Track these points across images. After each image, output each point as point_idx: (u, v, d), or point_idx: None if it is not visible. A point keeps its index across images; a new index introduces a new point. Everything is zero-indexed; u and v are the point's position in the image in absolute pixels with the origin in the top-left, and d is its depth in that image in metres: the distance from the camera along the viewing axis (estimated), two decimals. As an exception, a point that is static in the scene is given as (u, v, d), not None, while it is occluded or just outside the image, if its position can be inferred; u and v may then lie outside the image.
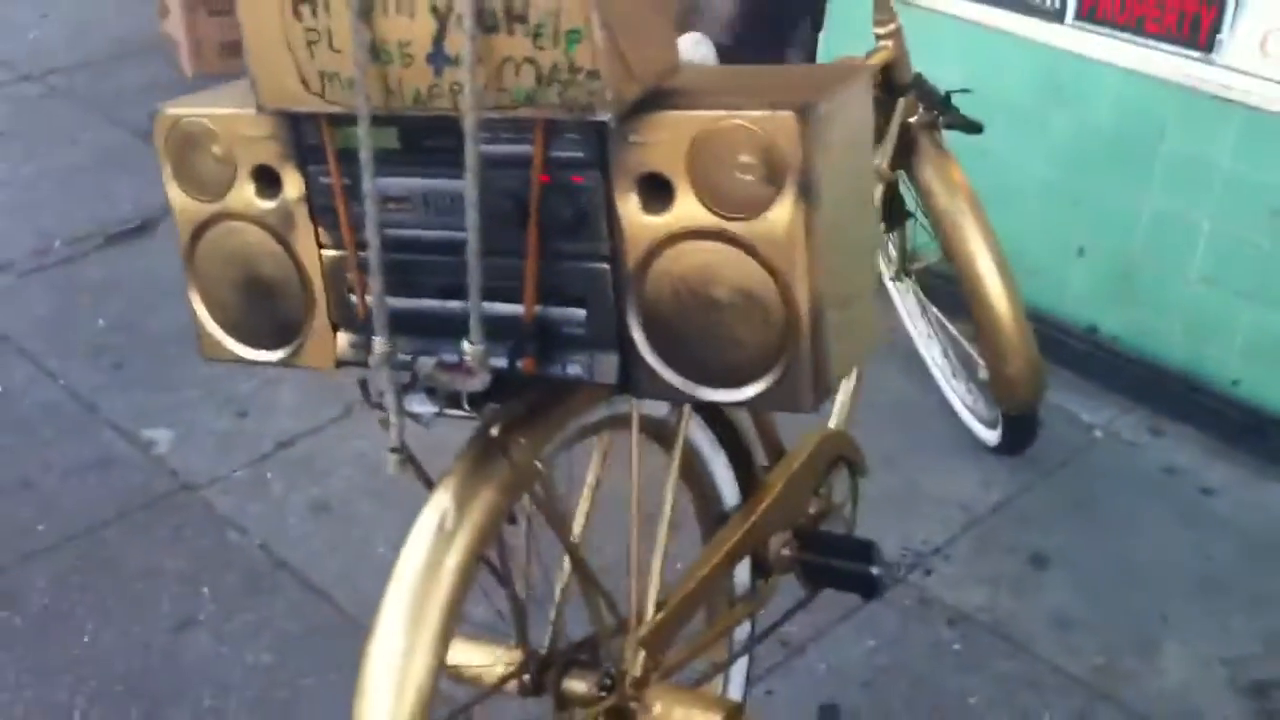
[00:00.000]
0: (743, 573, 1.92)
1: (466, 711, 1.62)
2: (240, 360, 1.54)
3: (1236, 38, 2.67)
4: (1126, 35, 2.81)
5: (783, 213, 1.23)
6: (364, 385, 1.41)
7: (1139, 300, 2.92)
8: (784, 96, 1.24)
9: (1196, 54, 2.72)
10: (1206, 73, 2.71)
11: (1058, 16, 2.91)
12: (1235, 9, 2.65)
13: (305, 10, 1.28)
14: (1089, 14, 2.86)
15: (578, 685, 1.62)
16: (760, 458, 1.90)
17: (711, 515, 1.85)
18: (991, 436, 2.69)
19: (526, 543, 1.62)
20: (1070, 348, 3.02)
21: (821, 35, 3.42)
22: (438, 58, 1.25)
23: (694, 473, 1.82)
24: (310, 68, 1.31)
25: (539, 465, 1.47)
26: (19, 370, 2.99)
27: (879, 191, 2.21)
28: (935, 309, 2.71)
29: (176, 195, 1.47)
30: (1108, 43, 2.84)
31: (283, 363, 1.52)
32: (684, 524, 1.84)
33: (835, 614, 2.34)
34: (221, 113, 1.42)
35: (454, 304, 1.35)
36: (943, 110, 2.32)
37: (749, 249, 1.26)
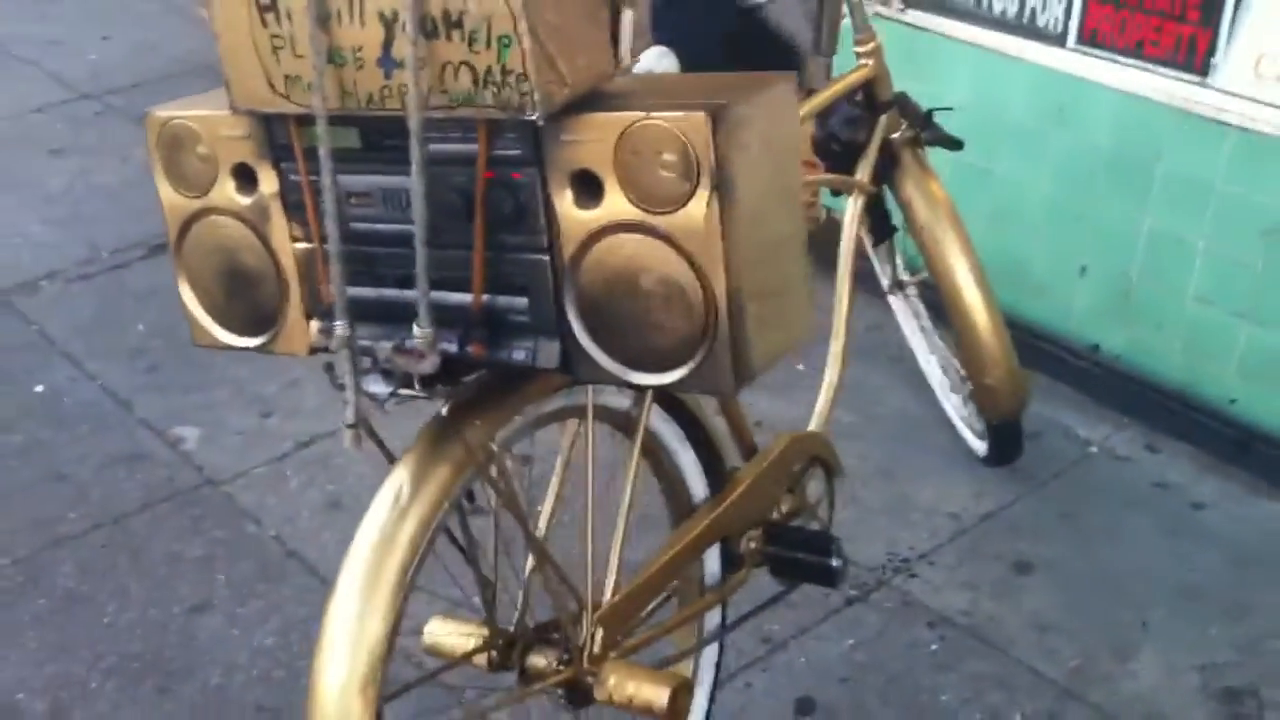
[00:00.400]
0: (715, 565, 2.02)
1: (432, 679, 1.73)
2: (225, 347, 1.66)
3: (1231, 61, 2.72)
4: (1126, 58, 2.88)
5: (699, 207, 1.33)
6: (330, 368, 1.53)
7: (1139, 319, 2.98)
8: (702, 100, 1.34)
9: (1192, 77, 2.78)
10: (1202, 95, 2.77)
11: (1060, 40, 2.98)
12: (1229, 33, 2.70)
13: (270, 19, 1.40)
14: (1090, 38, 2.93)
15: (540, 660, 1.72)
16: (733, 456, 2.00)
17: (681, 508, 1.94)
18: (983, 447, 2.76)
19: (495, 526, 1.72)
20: (1072, 365, 3.09)
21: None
22: (386, 61, 1.37)
23: (662, 467, 1.91)
24: (276, 71, 1.43)
25: (493, 447, 1.57)
26: (61, 371, 3.15)
27: (859, 204, 2.30)
28: (928, 323, 2.78)
29: (166, 191, 1.59)
30: (1108, 66, 2.91)
31: (261, 349, 1.63)
32: (660, 517, 1.95)
33: (818, 614, 2.42)
34: (204, 114, 1.54)
35: (410, 293, 1.45)
36: (925, 127, 2.40)
37: (670, 241, 1.36)
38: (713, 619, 2.05)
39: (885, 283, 2.71)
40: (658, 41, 2.15)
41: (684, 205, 1.34)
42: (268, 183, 1.53)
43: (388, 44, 1.36)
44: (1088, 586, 2.50)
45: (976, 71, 3.15)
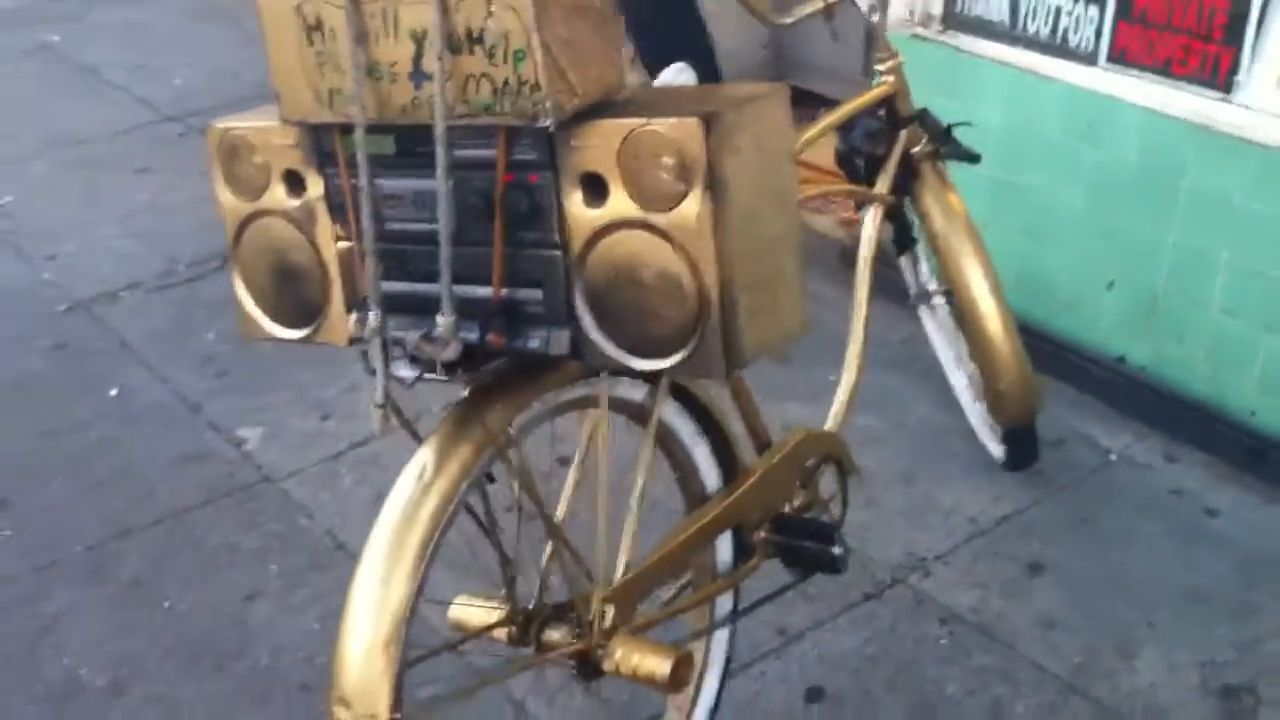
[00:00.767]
0: (728, 554, 2.14)
1: (452, 650, 1.88)
2: (273, 338, 1.82)
3: (1253, 78, 2.80)
4: (1153, 76, 2.97)
5: (693, 206, 1.47)
6: (364, 355, 1.68)
7: (1163, 332, 3.06)
8: (698, 108, 1.47)
9: (1216, 94, 2.86)
10: (1225, 112, 2.85)
11: (1091, 60, 3.08)
12: (1252, 51, 2.79)
13: (316, 37, 1.56)
14: (1119, 57, 3.02)
15: (555, 635, 1.85)
16: (747, 450, 2.12)
17: (694, 498, 2.07)
18: (1001, 453, 2.85)
19: (517, 510, 1.85)
20: (1097, 377, 3.17)
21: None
22: (417, 75, 1.52)
23: (677, 458, 2.04)
24: (321, 85, 1.59)
25: (511, 430, 1.71)
26: (136, 375, 3.34)
27: (879, 215, 2.42)
28: (953, 334, 2.88)
29: (225, 196, 1.76)
30: (1136, 84, 3.00)
31: (306, 340, 1.79)
32: (677, 507, 2.07)
33: (834, 608, 2.54)
34: (259, 125, 1.70)
35: (437, 286, 1.60)
36: (944, 141, 2.52)
37: (668, 237, 1.49)
38: (725, 605, 2.17)
39: (912, 294, 2.82)
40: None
41: (680, 204, 1.47)
42: (314, 187, 1.68)
43: (418, 59, 1.51)
44: (1096, 587, 2.59)
45: (1011, 90, 3.25)
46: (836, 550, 2.09)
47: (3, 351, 3.43)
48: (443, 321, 1.58)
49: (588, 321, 1.58)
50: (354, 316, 1.73)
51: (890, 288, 2.96)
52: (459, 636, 1.89)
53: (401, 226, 1.64)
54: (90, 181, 4.39)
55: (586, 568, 1.84)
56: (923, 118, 2.50)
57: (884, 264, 2.87)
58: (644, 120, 1.47)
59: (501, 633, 1.88)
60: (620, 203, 1.51)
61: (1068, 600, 2.56)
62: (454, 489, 1.66)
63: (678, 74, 2.54)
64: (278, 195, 1.71)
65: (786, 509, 2.15)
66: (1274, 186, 2.79)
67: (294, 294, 1.76)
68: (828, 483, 2.24)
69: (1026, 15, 3.19)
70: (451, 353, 1.60)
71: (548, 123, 1.47)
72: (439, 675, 2.12)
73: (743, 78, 4.53)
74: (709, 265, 1.48)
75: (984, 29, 3.29)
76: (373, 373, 1.65)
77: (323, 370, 3.26)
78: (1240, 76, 2.82)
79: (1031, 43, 3.20)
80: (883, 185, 2.42)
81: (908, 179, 2.51)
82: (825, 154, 2.51)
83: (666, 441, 2.00)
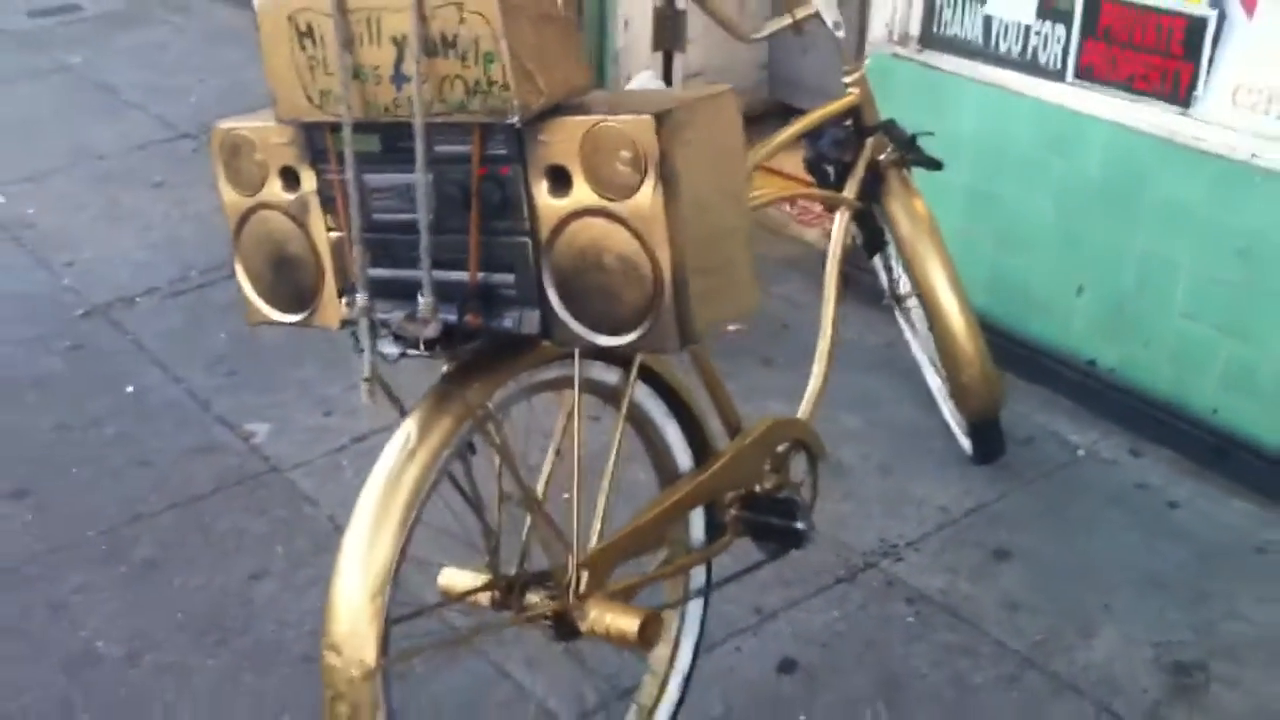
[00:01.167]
0: (700, 531, 2.28)
1: (436, 610, 2.02)
2: (272, 322, 1.97)
3: (1211, 94, 2.96)
4: (1117, 92, 3.12)
5: (647, 194, 1.62)
6: (354, 336, 1.83)
7: (1130, 335, 3.19)
8: (652, 107, 1.63)
9: (1177, 108, 3.02)
10: (1184, 125, 3.00)
11: (1059, 76, 3.23)
12: (1209, 67, 2.94)
13: (307, 43, 1.71)
14: (1086, 73, 3.18)
15: (534, 599, 2.00)
16: (719, 434, 2.26)
17: (667, 477, 2.21)
18: (970, 446, 3.00)
19: (498, 482, 2.00)
20: (1068, 378, 3.31)
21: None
22: (398, 77, 1.67)
23: (650, 439, 2.18)
24: (312, 87, 1.74)
25: (489, 405, 1.86)
26: (150, 374, 3.50)
27: (846, 218, 2.57)
28: (926, 334, 3.03)
29: (226, 191, 1.91)
30: (1101, 99, 3.15)
31: (302, 323, 1.93)
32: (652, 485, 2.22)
33: (808, 590, 2.68)
34: (257, 125, 1.85)
35: (419, 272, 1.75)
36: (908, 150, 2.67)
37: (625, 224, 1.64)
38: (699, 579, 2.31)
39: (886, 296, 2.97)
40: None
41: (635, 193, 1.62)
42: (308, 182, 1.83)
43: (399, 62, 1.66)
44: (1059, 573, 2.72)
45: (984, 105, 3.41)
46: (800, 525, 2.23)
47: (24, 352, 3.59)
48: (423, 302, 1.72)
49: (555, 302, 1.73)
50: (345, 301, 1.88)
51: (873, 294, 3.12)
52: (445, 600, 2.04)
53: (386, 217, 1.78)
54: (108, 194, 4.56)
55: (564, 537, 1.98)
56: (889, 127, 2.65)
57: (865, 270, 3.04)
58: (603, 117, 1.62)
59: (485, 598, 2.02)
60: (583, 193, 1.65)
61: (1031, 584, 2.70)
62: (435, 457, 1.81)
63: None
64: (275, 190, 1.86)
65: (757, 490, 2.30)
66: (1230, 196, 2.94)
67: (290, 281, 1.90)
68: (802, 470, 2.38)
69: (998, 34, 3.35)
70: (432, 331, 1.75)
71: (515, 119, 1.62)
72: (428, 635, 2.26)
73: (741, 97, 4.69)
74: (662, 249, 1.63)
75: (959, 47, 3.45)
76: (361, 351, 1.80)
77: (327, 370, 3.41)
78: (1199, 92, 2.97)
79: (1003, 60, 3.35)
80: (850, 190, 2.57)
81: (875, 185, 2.66)
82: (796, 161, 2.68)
83: (640, 423, 2.14)
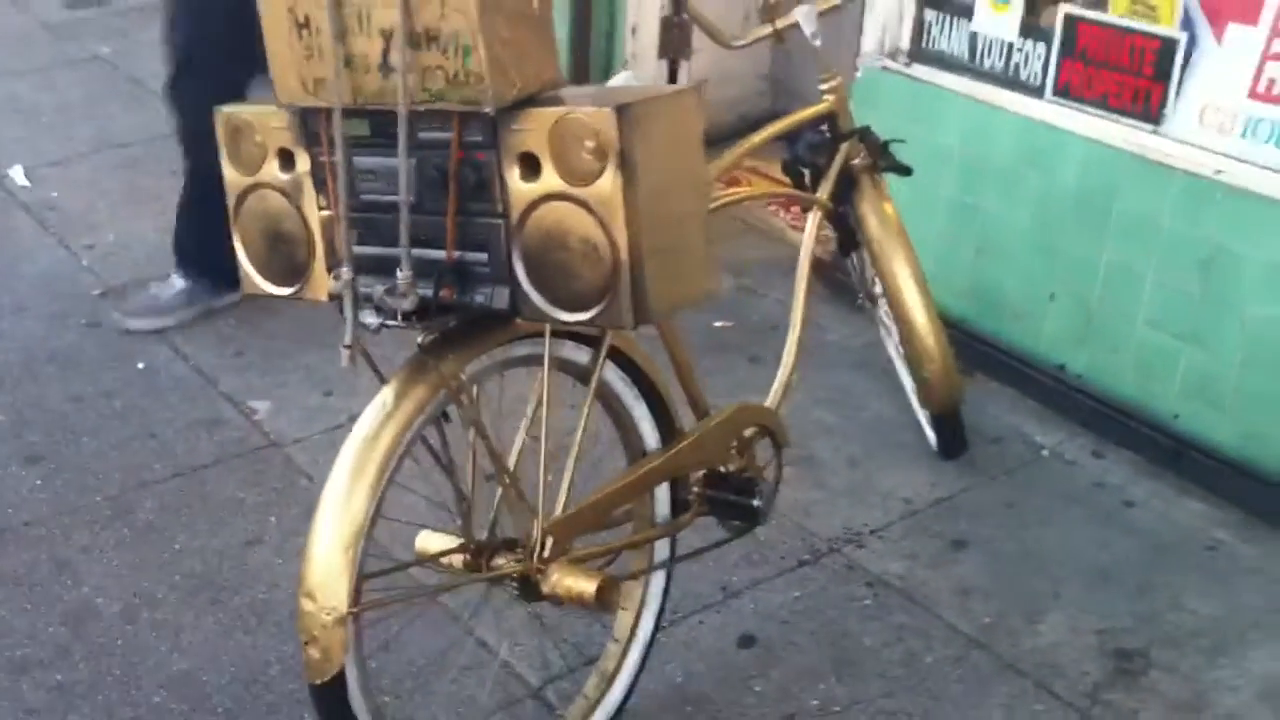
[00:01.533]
0: (665, 508, 2.42)
1: (406, 569, 2.17)
2: (267, 294, 2.11)
3: (1179, 112, 3.08)
4: (1092, 109, 3.25)
5: (607, 181, 1.76)
6: (338, 306, 1.97)
7: (1098, 341, 3.32)
8: (616, 101, 1.77)
9: (1148, 125, 3.15)
10: (1154, 141, 3.13)
11: (1038, 92, 3.37)
12: (1179, 87, 3.07)
13: (304, 33, 1.86)
14: (1063, 90, 3.31)
15: (502, 562, 2.14)
16: (687, 417, 2.40)
17: (634, 454, 2.34)
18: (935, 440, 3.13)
19: (473, 452, 2.14)
20: (1039, 382, 3.44)
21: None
22: (385, 66, 1.82)
23: (619, 417, 2.32)
24: (308, 75, 1.89)
25: (463, 377, 2.00)
26: (162, 353, 3.66)
27: (818, 219, 2.70)
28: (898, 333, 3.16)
29: (229, 171, 2.05)
30: (1076, 115, 3.28)
31: (293, 296, 2.08)
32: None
33: (771, 571, 2.81)
34: (258, 109, 2.00)
35: (401, 249, 1.90)
36: (880, 155, 2.81)
37: (588, 208, 1.78)
38: (662, 553, 2.45)
39: (860, 294, 3.11)
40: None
41: (597, 180, 1.76)
42: (302, 163, 1.98)
43: (386, 53, 1.81)
44: (1014, 562, 2.85)
45: (968, 118, 3.54)
46: (756, 502, 2.37)
47: (43, 328, 3.75)
48: (401, 276, 1.87)
49: (524, 280, 1.87)
50: (333, 275, 2.02)
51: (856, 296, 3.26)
52: (418, 560, 2.18)
53: (373, 197, 1.92)
54: (129, 181, 4.72)
55: (530, 504, 2.12)
56: (863, 134, 2.79)
57: (848, 274, 3.18)
58: (570, 109, 1.76)
59: (459, 560, 2.16)
60: (550, 178, 1.80)
61: (985, 572, 2.83)
62: (409, 422, 1.96)
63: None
64: (272, 170, 2.00)
65: (721, 470, 2.43)
66: (1193, 209, 3.06)
67: (284, 256, 2.05)
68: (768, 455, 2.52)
69: (983, 51, 3.48)
70: (409, 304, 1.89)
71: (489, 109, 1.77)
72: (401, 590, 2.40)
73: (742, 105, 4.84)
74: (620, 232, 1.77)
75: (945, 62, 3.59)
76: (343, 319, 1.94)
77: (328, 353, 3.47)
78: (1168, 110, 3.10)
79: (987, 76, 3.49)
80: (823, 192, 2.71)
81: (848, 188, 2.80)
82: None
83: (610, 402, 2.28)
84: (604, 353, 2.17)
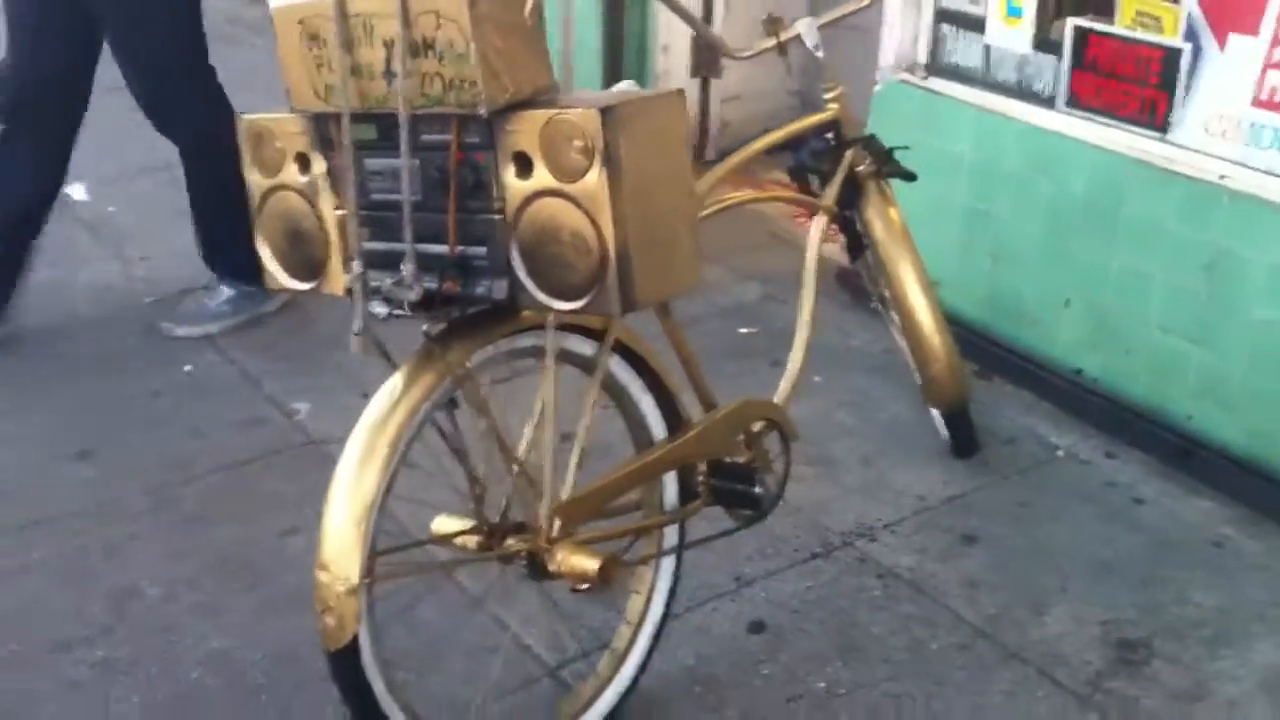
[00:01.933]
0: (674, 496, 2.52)
1: (420, 545, 2.29)
2: (288, 289, 2.24)
3: (1185, 119, 3.17)
4: (1102, 118, 3.34)
5: (594, 178, 1.88)
6: (349, 297, 2.10)
7: (1112, 345, 3.39)
8: (603, 103, 1.89)
9: (1154, 133, 3.23)
10: (1160, 149, 3.21)
11: (1050, 103, 3.46)
12: (1185, 95, 3.15)
13: (314, 44, 2.00)
14: (1074, 100, 3.40)
15: (512, 543, 2.26)
16: (694, 410, 2.51)
17: (641, 444, 2.45)
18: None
19: (482, 437, 2.25)
20: (1055, 386, 3.51)
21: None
22: (388, 74, 1.95)
23: (626, 409, 2.43)
24: (319, 82, 2.03)
25: (469, 365, 2.12)
26: (210, 356, 3.83)
27: (823, 222, 2.81)
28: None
29: (252, 174, 2.19)
30: (1087, 124, 3.37)
31: (312, 291, 2.21)
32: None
33: (784, 563, 2.91)
34: (277, 117, 2.14)
35: (406, 244, 2.03)
36: (885, 162, 2.90)
37: (577, 203, 1.90)
38: (671, 539, 2.55)
39: (873, 297, 3.20)
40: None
41: (584, 176, 1.88)
42: (318, 166, 2.11)
43: (389, 61, 1.94)
44: (1022, 557, 2.93)
45: (982, 129, 3.63)
46: (758, 490, 2.47)
47: (97, 333, 3.94)
48: (406, 269, 2.00)
49: (520, 271, 1.99)
50: (347, 270, 2.15)
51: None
52: (432, 539, 2.30)
53: (381, 197, 2.05)
54: (183, 196, 4.87)
55: (538, 487, 2.24)
56: (868, 141, 2.89)
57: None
58: (559, 110, 1.89)
59: (472, 541, 2.28)
60: (542, 175, 1.92)
61: (994, 566, 2.91)
62: (417, 405, 2.08)
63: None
64: (291, 173, 2.14)
65: (727, 461, 2.53)
66: (1200, 215, 3.14)
67: (303, 253, 2.18)
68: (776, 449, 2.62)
69: (997, 63, 3.58)
70: (414, 295, 2.02)
71: (483, 111, 1.90)
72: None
73: (774, 120, 4.94)
74: (606, 226, 1.89)
75: (961, 75, 3.69)
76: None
77: (366, 358, 3.69)
78: (1174, 118, 3.18)
79: (1001, 87, 3.59)
80: (828, 196, 2.82)
81: (854, 194, 2.90)
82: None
83: (617, 395, 2.39)
84: (608, 345, 2.28)
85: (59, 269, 4.33)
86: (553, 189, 1.92)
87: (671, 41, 4.81)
